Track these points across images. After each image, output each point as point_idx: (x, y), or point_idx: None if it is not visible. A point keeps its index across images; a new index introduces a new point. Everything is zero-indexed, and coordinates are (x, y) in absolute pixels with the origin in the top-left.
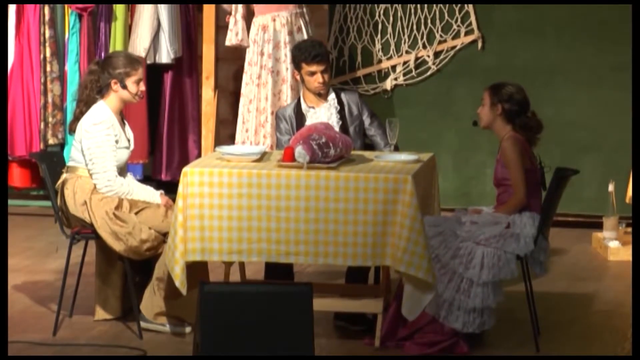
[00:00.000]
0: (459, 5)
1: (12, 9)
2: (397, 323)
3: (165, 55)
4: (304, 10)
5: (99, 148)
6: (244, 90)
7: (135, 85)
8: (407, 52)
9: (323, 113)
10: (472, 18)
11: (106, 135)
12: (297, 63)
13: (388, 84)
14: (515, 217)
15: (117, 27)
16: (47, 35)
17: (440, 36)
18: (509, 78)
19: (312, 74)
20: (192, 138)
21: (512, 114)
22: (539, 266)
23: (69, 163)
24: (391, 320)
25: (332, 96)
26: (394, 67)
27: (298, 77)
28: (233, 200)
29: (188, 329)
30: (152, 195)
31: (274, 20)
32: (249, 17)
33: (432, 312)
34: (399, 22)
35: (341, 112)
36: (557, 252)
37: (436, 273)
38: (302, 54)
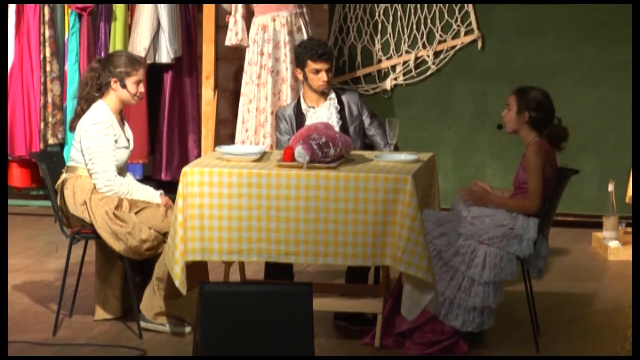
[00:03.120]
0: (459, 5)
1: (12, 9)
2: (394, 318)
3: (165, 55)
4: (304, 10)
5: (98, 148)
6: (243, 90)
7: (134, 85)
8: (407, 52)
9: (323, 113)
10: (472, 18)
11: (105, 135)
12: (301, 60)
13: (388, 83)
14: (521, 219)
15: (117, 27)
16: (47, 35)
17: (440, 36)
18: (509, 78)
19: (317, 71)
20: (192, 138)
21: (539, 122)
22: (537, 272)
23: (69, 163)
24: (387, 316)
25: (332, 96)
26: (393, 67)
27: (300, 76)
28: (233, 200)
29: (188, 329)
30: (152, 195)
31: (274, 20)
32: (248, 17)
33: (432, 311)
34: (399, 22)
35: (341, 112)
36: (557, 252)
37: (438, 270)
38: (308, 52)
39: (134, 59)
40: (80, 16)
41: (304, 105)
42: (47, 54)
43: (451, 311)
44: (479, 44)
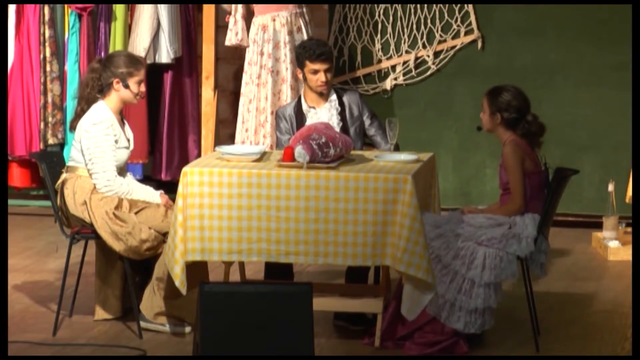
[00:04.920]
0: (459, 5)
1: (12, 9)
2: (396, 322)
3: (165, 55)
4: (304, 10)
5: (98, 148)
6: (243, 90)
7: (136, 85)
8: (407, 52)
9: (324, 114)
10: (472, 18)
11: (105, 135)
12: (301, 61)
13: (388, 83)
14: (517, 218)
15: (117, 27)
16: (47, 35)
17: (440, 36)
18: (509, 78)
19: (316, 72)
20: (192, 138)
21: (512, 122)
22: (540, 268)
23: (69, 163)
24: (390, 319)
25: (333, 97)
26: (393, 67)
27: (300, 76)
28: (233, 200)
29: (188, 329)
30: (152, 195)
31: (274, 20)
32: (248, 17)
33: (433, 313)
34: (399, 22)
35: (342, 113)
36: (557, 252)
37: (437, 274)
38: (306, 52)
39: (135, 59)
40: (80, 16)
41: (304, 106)
42: (47, 54)
43: (452, 314)
44: (479, 44)
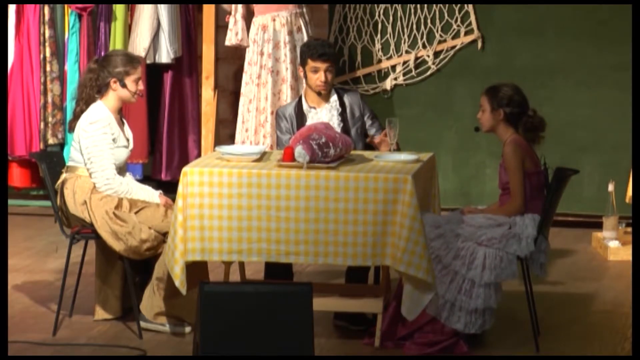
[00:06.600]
0: (459, 5)
1: (12, 9)
2: (396, 322)
3: (165, 55)
4: (304, 10)
5: (97, 147)
6: (243, 90)
7: (134, 84)
8: (407, 52)
9: (324, 114)
10: (472, 18)
11: (103, 134)
12: (303, 58)
13: (388, 83)
14: (517, 218)
15: (117, 27)
16: (47, 35)
17: (440, 36)
18: (509, 78)
19: (316, 70)
20: (192, 138)
21: (515, 117)
22: (539, 268)
23: (69, 163)
24: (390, 319)
25: (334, 98)
26: (393, 67)
27: (302, 74)
28: (233, 200)
29: (188, 329)
30: (151, 195)
31: (274, 20)
32: (248, 17)
33: (433, 314)
34: (399, 22)
35: (343, 114)
36: (557, 252)
37: (437, 274)
38: (309, 50)
39: (131, 57)
40: (80, 16)
41: (305, 105)
42: (47, 54)
43: (453, 314)
44: (479, 44)
